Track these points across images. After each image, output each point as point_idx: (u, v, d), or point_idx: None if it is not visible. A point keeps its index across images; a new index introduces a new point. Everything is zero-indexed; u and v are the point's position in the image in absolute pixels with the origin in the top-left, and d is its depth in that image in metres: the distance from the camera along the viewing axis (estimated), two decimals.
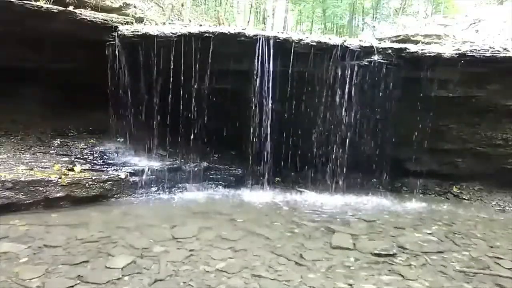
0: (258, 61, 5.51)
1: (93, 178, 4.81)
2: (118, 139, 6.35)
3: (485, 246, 4.17)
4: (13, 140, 5.76)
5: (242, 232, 4.12)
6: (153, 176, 5.44)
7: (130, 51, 5.52)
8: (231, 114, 6.20)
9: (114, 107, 5.78)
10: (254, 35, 5.44)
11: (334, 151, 6.12)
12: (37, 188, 4.37)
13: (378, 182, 6.60)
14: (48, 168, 4.87)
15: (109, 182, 4.94)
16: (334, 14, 18.82)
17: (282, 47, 5.48)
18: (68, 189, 4.56)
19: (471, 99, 5.81)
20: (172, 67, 5.49)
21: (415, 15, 15.81)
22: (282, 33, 5.97)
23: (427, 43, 6.77)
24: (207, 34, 5.37)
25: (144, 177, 5.33)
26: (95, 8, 5.92)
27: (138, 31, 5.45)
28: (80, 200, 4.65)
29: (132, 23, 5.86)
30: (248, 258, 3.47)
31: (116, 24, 5.56)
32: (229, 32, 5.46)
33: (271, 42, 5.44)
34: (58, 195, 4.48)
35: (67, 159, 5.41)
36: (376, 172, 6.40)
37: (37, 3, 5.05)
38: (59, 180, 4.52)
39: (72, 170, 4.89)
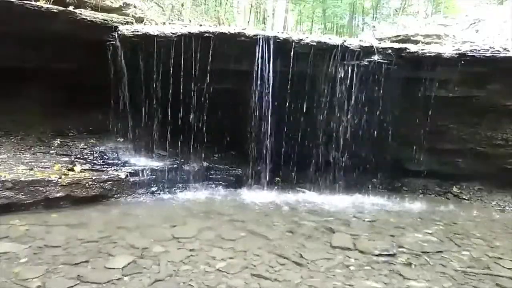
0: (258, 61, 5.51)
1: (93, 178, 4.81)
2: (118, 139, 6.35)
3: (485, 246, 4.18)
4: (13, 140, 5.76)
5: (242, 232, 4.12)
6: (153, 176, 5.44)
7: (130, 51, 5.52)
8: (231, 114, 6.20)
9: (114, 107, 5.78)
10: (254, 35, 5.44)
11: (334, 151, 6.12)
12: (37, 188, 4.36)
13: (378, 182, 6.60)
14: (48, 168, 4.87)
15: (109, 182, 4.93)
16: (334, 14, 18.79)
17: (282, 47, 5.48)
18: (68, 189, 4.55)
19: (471, 99, 5.81)
20: (172, 67, 5.48)
21: (415, 15, 15.79)
22: (282, 33, 5.96)
23: (427, 43, 6.78)
24: (207, 34, 5.37)
25: (144, 177, 5.33)
26: (95, 8, 5.91)
27: (138, 31, 5.44)
28: (80, 200, 4.64)
29: (132, 23, 5.85)
30: (248, 258, 3.47)
31: (116, 24, 5.55)
32: (229, 32, 5.45)
33: (271, 42, 5.44)
34: (58, 195, 4.47)
35: (67, 159, 5.41)
36: (376, 172, 6.41)
37: (37, 3, 5.05)
38: (59, 180, 4.52)
39: (72, 170, 4.89)
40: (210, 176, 6.10)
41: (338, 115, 5.93)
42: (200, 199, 5.44)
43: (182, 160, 6.05)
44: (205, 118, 5.93)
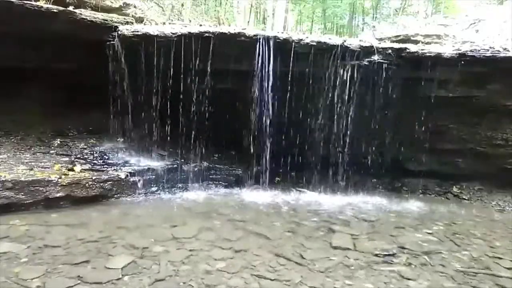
0: (258, 61, 5.51)
1: (93, 178, 4.81)
2: (118, 139, 6.35)
3: (485, 246, 4.18)
4: (13, 140, 5.76)
5: (242, 232, 4.12)
6: (153, 176, 5.44)
7: (130, 51, 5.52)
8: (231, 114, 6.20)
9: (114, 107, 5.78)
10: (254, 35, 5.44)
11: (334, 151, 6.12)
12: (37, 188, 4.36)
13: (378, 182, 6.60)
14: (48, 168, 4.87)
15: (109, 182, 4.93)
16: (334, 14, 18.79)
17: (282, 47, 5.47)
18: (68, 189, 4.55)
19: (471, 99, 5.81)
20: (172, 67, 5.48)
21: (415, 15, 15.79)
22: (282, 33, 5.96)
23: (427, 43, 6.78)
24: (207, 34, 5.37)
25: (144, 177, 5.32)
26: (95, 8, 5.92)
27: (138, 31, 5.44)
28: (80, 200, 4.64)
29: (132, 23, 5.85)
30: (248, 258, 3.47)
31: (116, 24, 5.56)
32: (229, 32, 5.45)
33: (271, 42, 5.43)
34: (58, 195, 4.47)
35: (67, 159, 5.41)
36: (376, 172, 6.40)
37: (37, 3, 5.05)
38: (59, 180, 4.52)
39: (72, 170, 4.89)
40: (210, 176, 6.09)
41: (338, 115, 5.93)
42: (200, 199, 5.43)
43: (182, 160, 6.05)
44: (205, 118, 5.93)
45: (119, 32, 5.47)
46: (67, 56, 5.68)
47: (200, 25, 6.15)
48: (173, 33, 5.38)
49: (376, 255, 3.71)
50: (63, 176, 4.60)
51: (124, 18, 5.81)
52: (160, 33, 5.38)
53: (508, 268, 3.59)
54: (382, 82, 5.60)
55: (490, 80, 5.64)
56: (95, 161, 5.54)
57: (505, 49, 5.50)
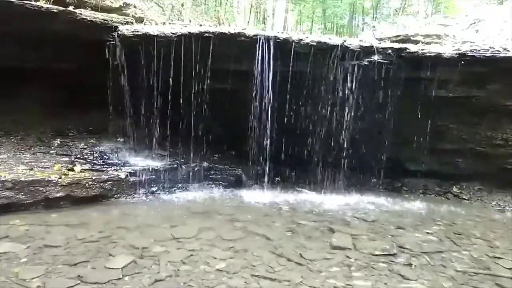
0: (258, 61, 5.51)
1: (93, 178, 4.81)
2: (118, 139, 6.36)
3: (485, 246, 4.18)
4: (13, 140, 5.76)
5: (242, 232, 4.12)
6: (153, 176, 5.43)
7: (130, 51, 5.52)
8: (231, 114, 6.20)
9: (114, 107, 5.78)
10: (254, 35, 5.44)
11: (334, 151, 6.12)
12: (37, 188, 4.36)
13: (378, 182, 6.60)
14: (48, 168, 4.87)
15: (109, 182, 4.93)
16: (334, 14, 18.80)
17: (282, 47, 5.47)
18: (68, 189, 4.55)
19: (471, 99, 5.81)
20: (172, 67, 5.49)
21: (415, 15, 15.78)
22: (282, 33, 5.97)
23: (427, 43, 6.78)
24: (207, 34, 5.37)
25: (144, 177, 5.32)
26: (95, 8, 5.92)
27: (138, 31, 5.44)
28: (80, 200, 4.64)
29: (132, 23, 5.85)
30: (248, 258, 3.47)
31: (116, 24, 5.56)
32: (229, 32, 5.45)
33: (271, 42, 5.43)
34: (58, 195, 4.47)
35: (67, 159, 5.41)
36: (376, 172, 6.40)
37: (37, 3, 5.05)
38: (59, 180, 4.52)
39: (72, 170, 4.89)
40: (210, 176, 6.10)
41: (338, 115, 5.93)
42: (200, 199, 5.43)
43: (182, 160, 6.04)
44: (205, 118, 5.93)
45: (119, 32, 5.47)
46: (67, 56, 5.68)
47: (200, 25, 6.16)
48: (173, 33, 5.38)
49: (376, 255, 3.71)
50: (63, 176, 4.60)
51: (124, 18, 5.81)
52: (160, 33, 5.38)
53: (508, 268, 3.59)
54: (382, 82, 5.59)
55: (490, 80, 5.64)
56: (95, 161, 5.54)
57: (505, 49, 5.50)
